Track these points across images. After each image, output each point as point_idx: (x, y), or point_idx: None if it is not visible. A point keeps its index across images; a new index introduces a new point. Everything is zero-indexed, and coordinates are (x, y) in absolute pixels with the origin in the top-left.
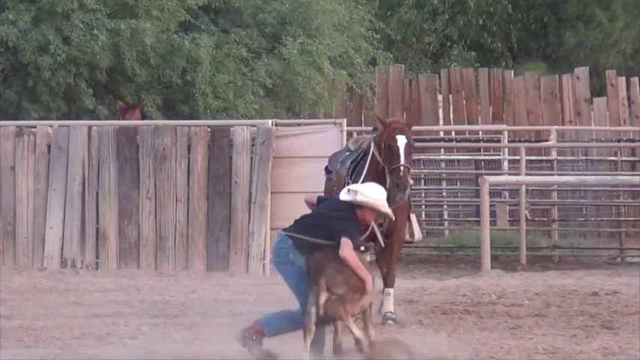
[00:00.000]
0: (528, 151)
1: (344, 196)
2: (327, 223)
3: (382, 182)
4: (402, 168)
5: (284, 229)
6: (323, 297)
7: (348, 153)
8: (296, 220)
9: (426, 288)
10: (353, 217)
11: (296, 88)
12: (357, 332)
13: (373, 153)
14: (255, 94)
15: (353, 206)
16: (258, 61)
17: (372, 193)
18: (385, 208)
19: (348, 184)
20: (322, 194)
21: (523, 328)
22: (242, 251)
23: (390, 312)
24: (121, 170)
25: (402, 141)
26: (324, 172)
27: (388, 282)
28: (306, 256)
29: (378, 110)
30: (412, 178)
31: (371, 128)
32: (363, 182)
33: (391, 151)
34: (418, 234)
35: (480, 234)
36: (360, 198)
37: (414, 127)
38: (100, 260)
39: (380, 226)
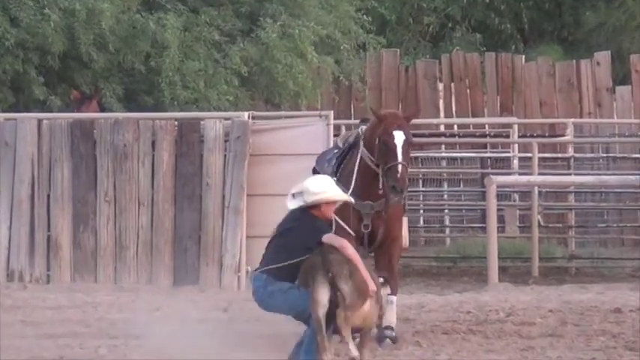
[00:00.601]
0: (541, 148)
1: (291, 203)
2: (294, 241)
3: (375, 183)
4: (399, 167)
5: (256, 269)
6: (326, 292)
7: (335, 150)
8: (263, 256)
9: (425, 304)
10: (313, 220)
11: (275, 77)
12: (354, 351)
13: (362, 150)
14: (229, 83)
15: (307, 210)
16: (232, 46)
17: (317, 188)
18: (340, 195)
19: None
20: None
21: (535, 350)
22: (214, 262)
23: (391, 328)
24: (76, 170)
25: (399, 138)
26: (311, 174)
27: (392, 287)
28: (288, 280)
29: (369, 101)
30: (408, 179)
31: (359, 120)
32: (347, 180)
33: (387, 148)
34: (404, 241)
35: (487, 242)
36: (308, 198)
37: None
38: (51, 273)
39: (365, 228)
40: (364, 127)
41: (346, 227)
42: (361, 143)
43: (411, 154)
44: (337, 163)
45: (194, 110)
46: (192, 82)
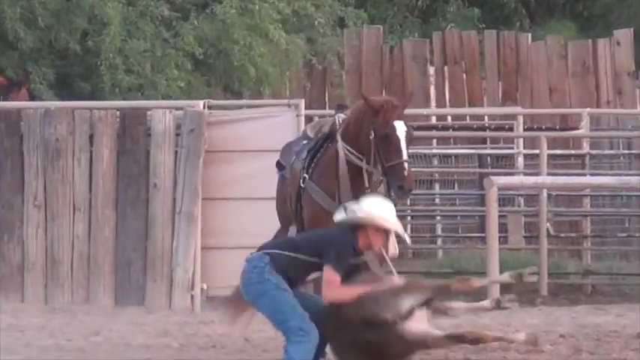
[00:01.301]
0: (551, 143)
1: (339, 215)
2: (318, 239)
3: (358, 182)
4: (405, 165)
5: (260, 248)
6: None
7: (305, 142)
8: (274, 237)
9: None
10: (350, 239)
11: (232, 60)
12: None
13: (340, 143)
14: (181, 67)
15: (351, 230)
16: (184, 23)
17: (371, 206)
18: (391, 224)
19: (304, 180)
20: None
21: None
22: (163, 279)
23: None
24: (0, 169)
25: (401, 130)
26: (275, 169)
27: None
28: (285, 276)
29: (347, 87)
30: None
31: (335, 107)
32: (321, 179)
33: (389, 143)
34: (393, 249)
35: (486, 255)
36: (357, 214)
37: None
38: None
39: None
40: (342, 116)
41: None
42: (338, 135)
43: None
44: (310, 156)
45: (139, 98)
46: (136, 65)
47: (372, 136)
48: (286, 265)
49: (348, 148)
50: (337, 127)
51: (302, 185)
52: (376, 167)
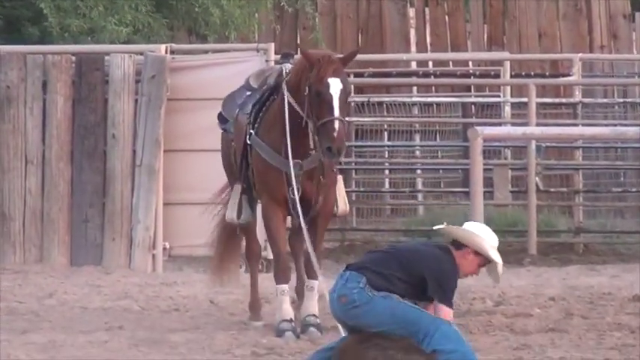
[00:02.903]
0: (540, 91)
1: (442, 226)
2: (420, 261)
3: (303, 140)
4: (336, 123)
5: (350, 267)
6: None
7: (249, 93)
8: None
9: None
10: (455, 267)
11: (195, 3)
12: None
13: (287, 96)
14: (137, 9)
15: (453, 246)
16: None
17: (474, 227)
18: (496, 257)
19: (250, 135)
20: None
21: (532, 349)
22: (122, 237)
23: (314, 315)
24: None
25: (335, 87)
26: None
27: (309, 271)
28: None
29: (321, 31)
30: (364, 130)
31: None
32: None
33: (320, 100)
34: (343, 206)
35: (470, 211)
36: (469, 233)
37: (374, 57)
38: None
39: (294, 193)
40: (288, 66)
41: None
42: (284, 87)
43: (374, 100)
44: (255, 110)
45: (90, 43)
46: (84, 7)
47: (306, 92)
48: (383, 286)
49: (294, 101)
50: (284, 79)
51: (248, 142)
52: (311, 124)
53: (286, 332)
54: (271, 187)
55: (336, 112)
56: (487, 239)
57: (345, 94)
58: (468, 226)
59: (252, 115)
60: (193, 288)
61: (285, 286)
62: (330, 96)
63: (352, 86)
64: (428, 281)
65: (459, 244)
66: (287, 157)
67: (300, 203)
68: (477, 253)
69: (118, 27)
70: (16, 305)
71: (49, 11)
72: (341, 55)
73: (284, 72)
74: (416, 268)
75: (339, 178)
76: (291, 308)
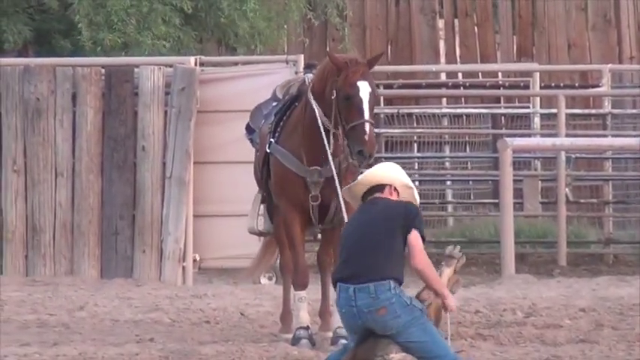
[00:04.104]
0: (570, 102)
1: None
2: (391, 214)
3: (323, 145)
4: (367, 126)
5: (351, 279)
6: None
7: (275, 103)
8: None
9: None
10: (394, 201)
11: (221, 15)
12: None
13: (312, 103)
14: (169, 23)
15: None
16: None
17: (373, 171)
18: (405, 179)
19: (270, 144)
20: None
21: None
22: (152, 249)
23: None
24: None
25: (364, 90)
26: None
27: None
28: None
29: (350, 42)
30: (393, 142)
31: (304, 66)
32: (287, 141)
33: (350, 103)
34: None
35: (500, 222)
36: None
37: (404, 68)
38: None
39: (314, 199)
40: (310, 76)
41: (313, 217)
42: (310, 95)
43: (404, 111)
44: (276, 119)
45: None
46: (118, 23)
47: (333, 96)
48: (395, 270)
49: (318, 108)
50: (307, 87)
51: (268, 150)
52: (337, 129)
53: (302, 340)
54: (290, 193)
55: (366, 115)
56: (392, 171)
57: (373, 97)
58: (364, 175)
59: (274, 123)
60: (223, 300)
61: (302, 293)
62: (360, 99)
63: (382, 97)
64: (401, 223)
65: (378, 188)
66: (305, 163)
67: (320, 210)
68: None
69: (154, 41)
70: (47, 317)
71: (83, 24)
72: (367, 58)
73: (307, 81)
74: (389, 229)
75: None
76: (308, 315)
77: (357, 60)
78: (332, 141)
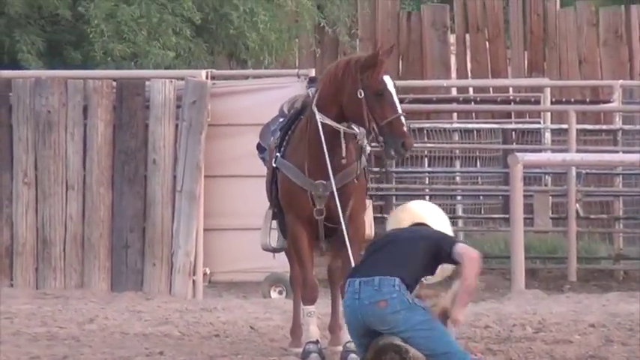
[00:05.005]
0: (581, 118)
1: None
2: (431, 237)
3: (335, 153)
4: (403, 119)
5: (362, 271)
6: None
7: (282, 119)
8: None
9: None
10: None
11: (231, 26)
12: None
13: (317, 115)
14: (180, 34)
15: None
16: None
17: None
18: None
19: (276, 159)
20: None
21: None
22: (162, 262)
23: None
24: None
25: (391, 84)
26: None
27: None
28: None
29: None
30: (410, 156)
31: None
32: (293, 154)
33: (382, 99)
34: (368, 230)
35: (510, 238)
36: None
37: (415, 83)
38: None
39: (319, 213)
40: (314, 90)
41: (320, 230)
42: (314, 107)
43: (415, 126)
44: (282, 133)
45: (133, 68)
46: (129, 32)
47: (361, 95)
48: (410, 277)
49: (324, 117)
50: (311, 100)
51: (274, 165)
52: (370, 129)
53: (312, 354)
54: (296, 206)
55: (399, 109)
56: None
57: (396, 90)
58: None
59: (279, 138)
60: (233, 314)
61: (312, 308)
62: (390, 93)
63: None
64: (436, 245)
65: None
66: (311, 177)
67: (326, 223)
68: None
69: (163, 51)
70: (57, 330)
71: (94, 35)
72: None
73: (311, 94)
74: (416, 243)
75: (369, 203)
76: (318, 329)
77: (379, 56)
78: (344, 146)
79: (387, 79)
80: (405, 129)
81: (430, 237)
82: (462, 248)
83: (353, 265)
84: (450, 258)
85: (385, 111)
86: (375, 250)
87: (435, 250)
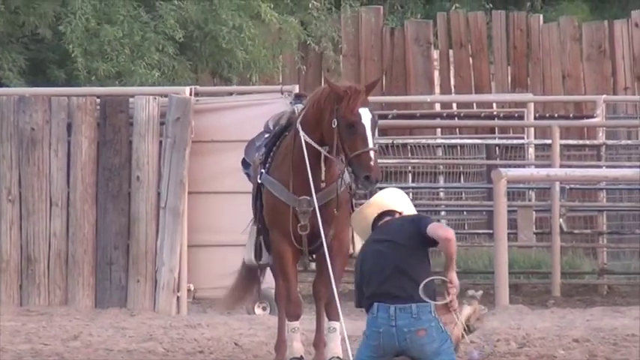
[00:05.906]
0: (564, 133)
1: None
2: (405, 228)
3: (313, 173)
4: (371, 154)
5: (385, 298)
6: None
7: (267, 135)
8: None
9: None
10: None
11: (219, 43)
12: None
13: (301, 133)
14: (163, 51)
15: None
16: (165, 4)
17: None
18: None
19: (261, 175)
20: None
21: None
22: (147, 279)
23: (337, 357)
24: None
25: (366, 117)
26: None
27: (331, 312)
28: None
29: (344, 73)
30: (388, 172)
31: (293, 97)
32: (276, 170)
33: (353, 131)
34: (351, 247)
35: (494, 253)
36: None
37: (398, 98)
38: None
39: (303, 229)
40: (300, 106)
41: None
42: (299, 125)
43: (399, 141)
44: (266, 150)
45: (117, 87)
46: (111, 52)
47: (334, 125)
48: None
49: (307, 137)
50: (297, 117)
51: (259, 181)
52: (339, 157)
53: None
54: (281, 222)
55: (370, 143)
56: (403, 199)
57: (373, 123)
58: (377, 199)
59: (264, 154)
60: (218, 330)
61: (296, 323)
62: (363, 127)
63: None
64: (415, 230)
65: (389, 213)
66: (294, 192)
67: (310, 239)
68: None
69: (147, 70)
70: (41, 347)
71: (77, 53)
72: (365, 85)
73: (296, 111)
74: (412, 246)
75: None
76: (302, 345)
77: (356, 88)
78: (324, 168)
79: (363, 111)
80: (372, 163)
81: (413, 232)
82: (436, 228)
83: (333, 280)
84: (426, 238)
85: (356, 143)
86: (372, 264)
87: (423, 238)
